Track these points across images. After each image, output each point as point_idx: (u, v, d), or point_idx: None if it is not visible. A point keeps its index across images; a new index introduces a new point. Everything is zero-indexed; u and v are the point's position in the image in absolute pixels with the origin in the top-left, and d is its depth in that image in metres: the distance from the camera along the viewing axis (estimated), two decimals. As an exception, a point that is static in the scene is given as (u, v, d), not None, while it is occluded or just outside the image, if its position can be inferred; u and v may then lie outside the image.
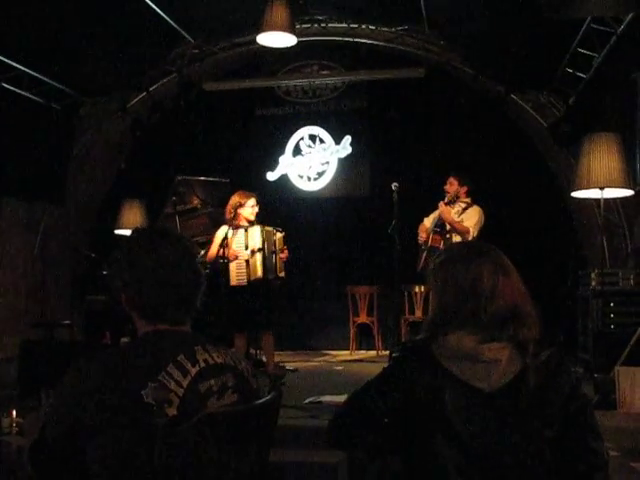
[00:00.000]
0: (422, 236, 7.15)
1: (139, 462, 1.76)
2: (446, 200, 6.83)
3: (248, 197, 6.46)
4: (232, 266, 6.38)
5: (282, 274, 6.62)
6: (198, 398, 1.86)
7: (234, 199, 6.44)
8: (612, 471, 1.99)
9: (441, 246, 6.94)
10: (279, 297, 7.04)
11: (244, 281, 6.37)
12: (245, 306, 6.36)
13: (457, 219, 6.80)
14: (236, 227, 6.43)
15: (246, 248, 6.39)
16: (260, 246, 6.38)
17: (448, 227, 6.91)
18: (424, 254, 7.09)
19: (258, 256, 6.37)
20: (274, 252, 6.52)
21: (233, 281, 6.37)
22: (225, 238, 6.37)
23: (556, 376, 1.92)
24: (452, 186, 6.94)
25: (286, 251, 6.65)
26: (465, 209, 6.85)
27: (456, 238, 6.63)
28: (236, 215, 6.41)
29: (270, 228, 6.57)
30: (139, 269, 1.96)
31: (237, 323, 6.42)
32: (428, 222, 7.26)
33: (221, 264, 6.47)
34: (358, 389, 2.09)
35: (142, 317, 2.00)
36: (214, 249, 6.44)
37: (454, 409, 1.86)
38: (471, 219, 6.80)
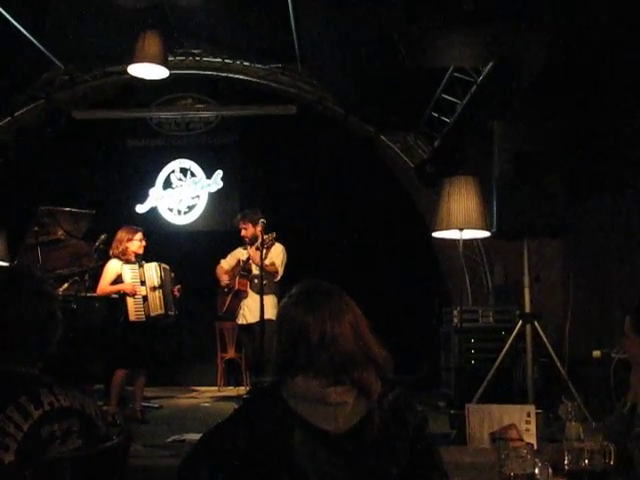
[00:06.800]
0: (224, 279, 7.07)
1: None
2: (255, 245, 6.62)
3: (135, 232, 6.49)
4: (130, 301, 6.32)
5: (176, 311, 6.68)
6: (39, 443, 1.80)
7: (121, 234, 6.44)
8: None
9: (248, 289, 6.96)
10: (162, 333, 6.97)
11: (142, 317, 6.34)
12: (143, 342, 6.35)
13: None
14: (127, 262, 6.39)
15: (142, 284, 6.37)
16: (159, 282, 6.42)
17: (254, 271, 6.82)
18: (228, 297, 7.08)
19: (158, 293, 6.40)
20: (171, 289, 6.58)
21: (132, 316, 6.31)
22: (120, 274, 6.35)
23: (402, 417, 1.96)
24: (248, 230, 6.86)
25: (178, 288, 6.66)
26: (269, 248, 6.72)
27: (265, 280, 6.45)
28: (124, 250, 6.37)
29: (165, 265, 6.60)
30: None
31: (133, 358, 6.31)
32: (227, 264, 7.22)
33: (114, 299, 6.43)
34: (209, 430, 2.07)
35: None
36: (106, 284, 6.37)
37: (302, 451, 1.87)
38: (277, 258, 6.78)
